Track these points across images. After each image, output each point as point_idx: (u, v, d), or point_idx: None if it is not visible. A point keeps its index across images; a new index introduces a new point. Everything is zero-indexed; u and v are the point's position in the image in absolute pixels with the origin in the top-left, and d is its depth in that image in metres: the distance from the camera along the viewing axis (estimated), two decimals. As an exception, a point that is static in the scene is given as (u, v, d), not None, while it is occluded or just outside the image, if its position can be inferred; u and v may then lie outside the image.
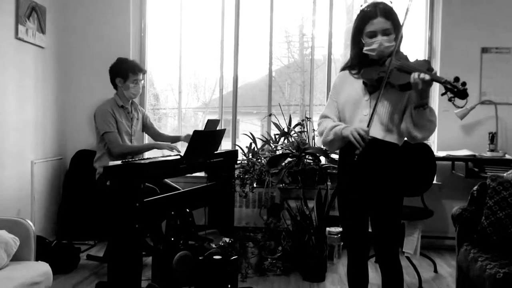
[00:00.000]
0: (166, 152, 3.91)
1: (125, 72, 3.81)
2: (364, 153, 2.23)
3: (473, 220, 2.94)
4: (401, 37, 2.30)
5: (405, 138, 2.38)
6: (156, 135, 4.15)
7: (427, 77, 2.07)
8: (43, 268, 2.61)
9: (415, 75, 2.09)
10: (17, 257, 2.59)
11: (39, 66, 4.26)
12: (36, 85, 4.21)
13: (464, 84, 2.08)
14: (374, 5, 2.28)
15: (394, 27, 2.27)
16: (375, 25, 2.25)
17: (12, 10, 3.81)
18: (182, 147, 3.97)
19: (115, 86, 3.88)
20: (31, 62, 4.13)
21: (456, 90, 2.08)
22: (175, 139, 4.13)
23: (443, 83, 2.08)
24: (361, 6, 2.37)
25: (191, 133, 3.54)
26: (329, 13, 4.77)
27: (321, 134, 2.43)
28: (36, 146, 4.24)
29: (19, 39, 3.90)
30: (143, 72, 3.93)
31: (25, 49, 4.02)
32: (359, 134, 2.18)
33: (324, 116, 2.46)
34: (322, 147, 4.37)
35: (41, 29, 4.22)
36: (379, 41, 2.25)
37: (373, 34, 2.27)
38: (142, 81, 3.95)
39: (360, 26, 2.30)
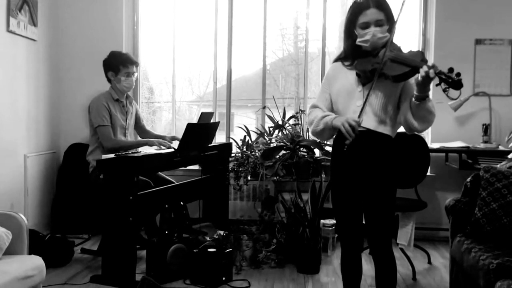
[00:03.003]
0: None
1: (116, 65, 3.79)
2: (356, 144, 2.23)
3: (467, 211, 2.95)
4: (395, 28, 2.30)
5: (401, 129, 2.38)
6: (143, 132, 4.15)
7: (431, 74, 2.06)
8: (36, 262, 2.60)
9: (421, 69, 2.08)
10: (9, 251, 2.57)
11: (31, 59, 4.22)
12: (28, 79, 4.18)
13: (458, 74, 2.07)
14: None
15: (387, 18, 2.27)
16: (368, 16, 2.24)
17: (3, 3, 3.77)
18: (176, 141, 3.96)
19: (109, 80, 3.86)
20: (23, 55, 4.10)
21: (450, 81, 2.07)
22: (160, 138, 4.09)
23: (437, 73, 2.08)
24: None
25: (179, 132, 3.54)
26: (323, 5, 4.75)
27: (311, 123, 2.43)
28: (29, 140, 4.21)
29: (11, 32, 3.86)
30: (135, 64, 3.89)
31: (16, 42, 3.98)
32: (350, 125, 2.18)
33: (314, 106, 2.45)
34: (316, 139, 4.37)
35: (33, 22, 4.18)
36: (372, 32, 2.24)
37: (366, 25, 2.26)
38: (136, 74, 3.92)
39: (353, 18, 2.30)
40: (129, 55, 3.92)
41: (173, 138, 3.96)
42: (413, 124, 2.24)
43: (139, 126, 4.14)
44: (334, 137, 2.43)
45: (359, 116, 2.22)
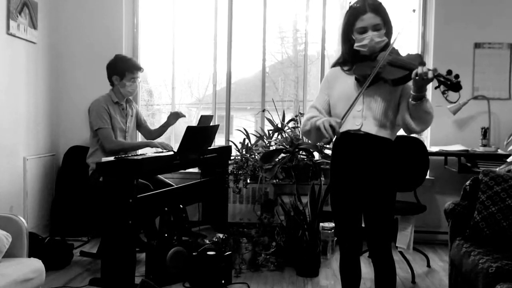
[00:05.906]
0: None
1: (123, 70, 3.77)
2: (356, 147, 2.24)
3: (466, 215, 2.96)
4: (392, 32, 2.31)
5: (400, 131, 2.38)
6: (147, 133, 4.14)
7: (430, 74, 2.06)
8: (36, 265, 2.60)
9: (418, 70, 2.09)
10: (9, 254, 2.57)
11: (31, 62, 4.23)
12: (28, 81, 4.18)
13: (457, 76, 2.08)
14: (363, 1, 2.28)
15: (384, 22, 2.27)
16: (365, 21, 2.25)
17: (3, 5, 3.78)
18: (176, 143, 3.96)
19: (112, 83, 3.85)
20: (23, 58, 4.10)
21: (449, 83, 2.08)
22: (164, 126, 4.12)
23: (436, 76, 2.08)
24: (350, 2, 2.37)
25: (179, 135, 3.55)
26: (322, 8, 4.76)
27: (302, 123, 2.45)
28: (28, 142, 4.21)
29: (11, 34, 3.87)
30: (141, 70, 3.90)
31: (16, 44, 3.99)
32: (330, 125, 2.16)
33: (312, 107, 2.46)
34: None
35: (33, 25, 4.19)
36: (369, 37, 2.25)
37: (363, 30, 2.26)
38: (139, 79, 3.92)
39: (350, 23, 2.30)
40: (135, 61, 3.93)
41: (173, 114, 4.06)
42: (411, 124, 2.25)
43: (142, 128, 4.13)
44: (333, 140, 2.43)
45: (342, 118, 2.21)
